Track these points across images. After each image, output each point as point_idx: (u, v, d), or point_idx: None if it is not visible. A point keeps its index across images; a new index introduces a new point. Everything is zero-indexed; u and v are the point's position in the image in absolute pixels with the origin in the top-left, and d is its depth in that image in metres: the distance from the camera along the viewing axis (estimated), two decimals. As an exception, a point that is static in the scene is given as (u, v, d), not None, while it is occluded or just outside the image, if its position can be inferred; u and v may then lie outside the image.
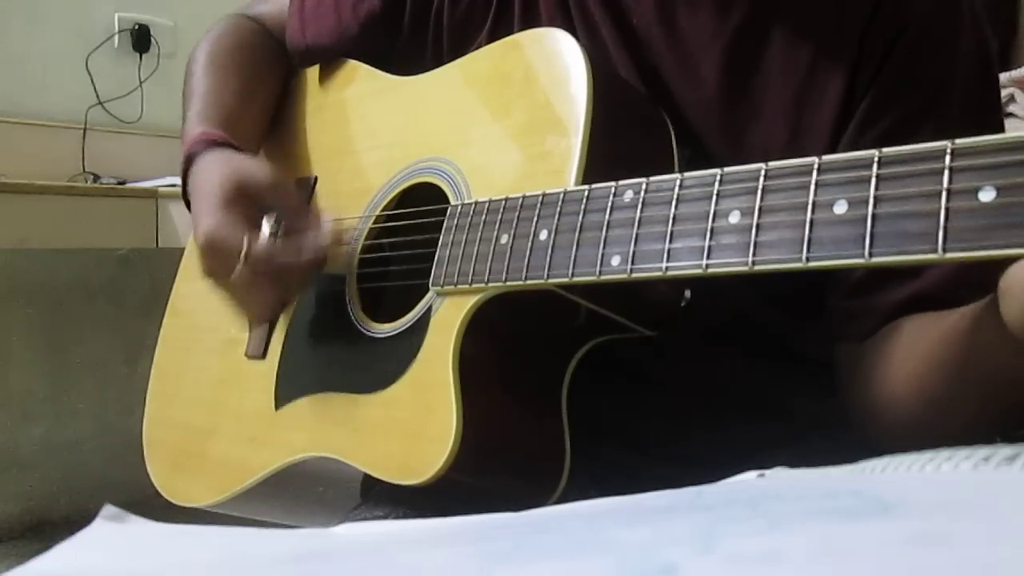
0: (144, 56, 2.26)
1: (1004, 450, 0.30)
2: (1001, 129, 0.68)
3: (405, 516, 0.67)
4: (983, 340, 0.49)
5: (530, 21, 0.73)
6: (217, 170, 0.73)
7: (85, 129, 2.17)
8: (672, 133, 0.64)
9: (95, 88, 2.18)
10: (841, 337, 0.65)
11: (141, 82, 2.24)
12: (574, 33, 0.70)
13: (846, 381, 0.65)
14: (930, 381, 0.56)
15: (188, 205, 0.78)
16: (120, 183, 2.05)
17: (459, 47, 0.76)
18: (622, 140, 0.62)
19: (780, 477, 0.35)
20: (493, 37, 0.73)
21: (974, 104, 0.64)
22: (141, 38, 2.25)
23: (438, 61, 0.76)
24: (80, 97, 2.17)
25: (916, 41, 0.63)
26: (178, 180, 0.79)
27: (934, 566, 0.22)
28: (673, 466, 0.64)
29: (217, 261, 0.69)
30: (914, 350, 0.58)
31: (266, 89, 0.90)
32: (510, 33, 0.69)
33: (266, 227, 0.70)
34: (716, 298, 0.65)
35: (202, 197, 0.72)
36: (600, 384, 0.68)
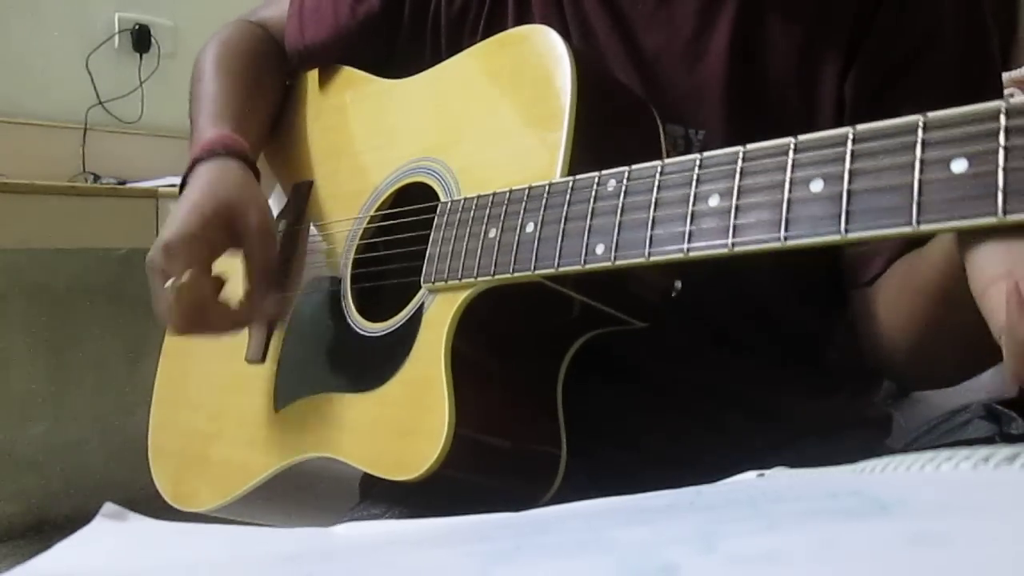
0: (144, 56, 2.25)
1: (1004, 450, 0.30)
2: (996, 77, 0.69)
3: (401, 514, 0.67)
4: (956, 278, 0.49)
5: (523, 18, 0.73)
6: (222, 184, 0.73)
7: (85, 129, 2.17)
8: (660, 126, 0.65)
9: (95, 88, 2.18)
10: (853, 283, 0.67)
11: (141, 82, 2.24)
12: (567, 29, 0.70)
13: (860, 327, 0.67)
14: (921, 317, 0.58)
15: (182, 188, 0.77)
16: (120, 183, 2.05)
17: (455, 46, 0.76)
18: (608, 134, 0.63)
19: (780, 477, 0.35)
20: (487, 35, 0.73)
21: (966, 49, 0.65)
22: (141, 38, 2.25)
23: (437, 61, 0.77)
24: (80, 97, 2.16)
25: None
26: (178, 180, 0.79)
27: (934, 566, 0.22)
28: (672, 466, 0.64)
29: (166, 263, 0.68)
30: (905, 290, 0.61)
31: (271, 93, 0.91)
32: (504, 31, 0.70)
33: (235, 265, 0.71)
34: (714, 299, 0.66)
35: (192, 199, 0.72)
36: (599, 385, 0.68)
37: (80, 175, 2.14)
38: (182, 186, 0.77)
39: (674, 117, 0.66)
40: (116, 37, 2.23)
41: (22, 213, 1.75)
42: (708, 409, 0.71)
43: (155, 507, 0.77)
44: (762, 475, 0.35)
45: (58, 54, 2.15)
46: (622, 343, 0.65)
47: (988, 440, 0.70)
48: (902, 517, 0.25)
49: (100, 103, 2.19)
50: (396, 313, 0.67)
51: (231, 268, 0.74)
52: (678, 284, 0.62)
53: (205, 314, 0.70)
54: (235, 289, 0.73)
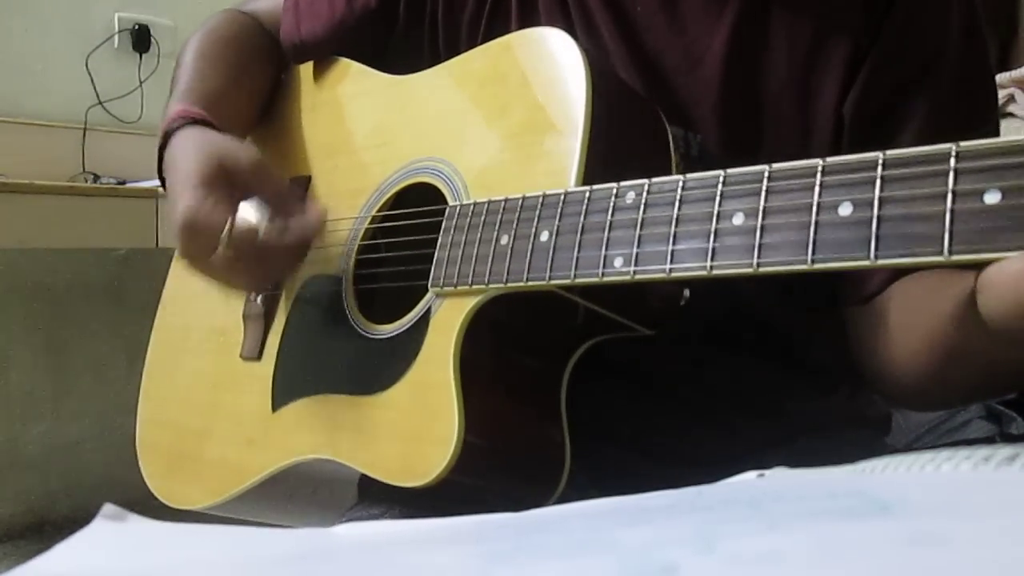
0: (144, 56, 2.26)
1: (1004, 450, 0.30)
2: (994, 98, 0.69)
3: (401, 514, 0.67)
4: (967, 333, 0.49)
5: (527, 18, 0.73)
6: (196, 148, 0.72)
7: (85, 129, 2.17)
8: (669, 133, 0.64)
9: (95, 88, 2.18)
10: (848, 300, 0.66)
11: (141, 82, 2.24)
12: (572, 30, 0.70)
13: (855, 345, 0.66)
14: (926, 356, 0.57)
15: (163, 183, 0.76)
16: (120, 183, 2.06)
17: (454, 44, 0.76)
18: (620, 141, 0.62)
19: (780, 477, 0.35)
20: (488, 35, 0.73)
21: (966, 72, 0.65)
22: (141, 38, 2.25)
23: (434, 58, 0.76)
24: (80, 97, 2.17)
25: (909, 9, 0.64)
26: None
27: (934, 566, 0.22)
28: (673, 466, 0.64)
29: (197, 242, 0.67)
30: (910, 324, 0.59)
31: (255, 81, 0.90)
32: (506, 31, 0.69)
33: (251, 210, 0.68)
34: (713, 299, 0.66)
35: (180, 175, 0.70)
36: (598, 384, 0.68)
37: (80, 175, 2.14)
38: (160, 175, 0.77)
39: (673, 119, 0.66)
40: (116, 37, 2.23)
41: (22, 213, 1.75)
42: (707, 409, 0.71)
43: (155, 506, 0.77)
44: (762, 475, 0.35)
45: (58, 54, 2.15)
46: (621, 342, 0.65)
47: (988, 440, 0.70)
48: (902, 517, 0.25)
49: (100, 103, 2.19)
50: (398, 315, 0.66)
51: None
52: (686, 293, 0.62)
53: (265, 259, 0.69)
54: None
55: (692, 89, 0.67)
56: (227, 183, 0.69)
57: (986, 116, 0.68)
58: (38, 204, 1.77)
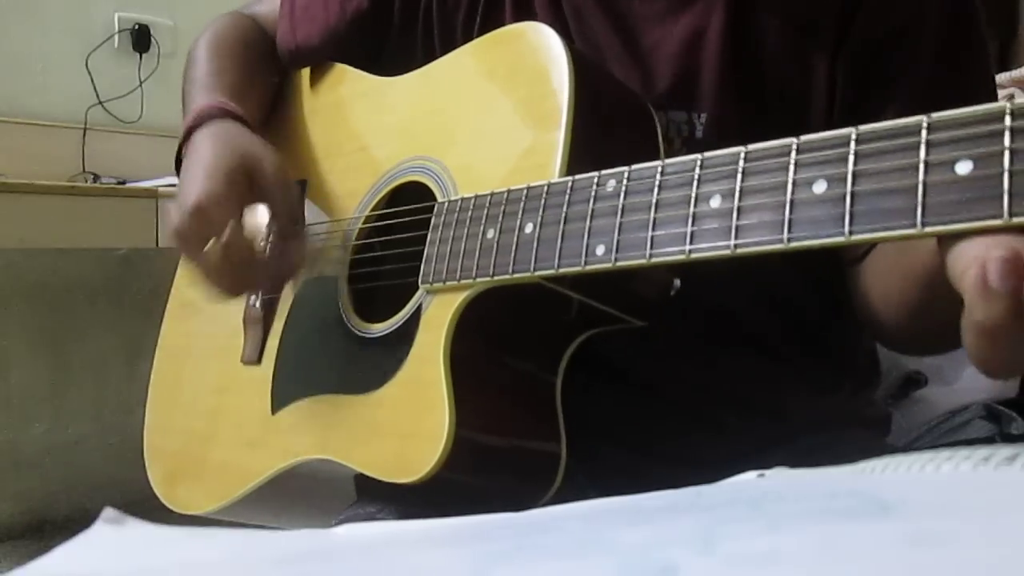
0: (144, 56, 2.25)
1: (1004, 450, 0.30)
2: (983, 52, 0.69)
3: (397, 512, 0.67)
4: (938, 290, 0.49)
5: (522, 14, 0.73)
6: (229, 142, 0.72)
7: (85, 129, 2.17)
8: (657, 124, 0.64)
9: (95, 88, 2.18)
10: (846, 261, 0.68)
11: (141, 82, 2.24)
12: (565, 24, 0.70)
13: (855, 300, 0.68)
14: (904, 308, 0.61)
15: (178, 166, 0.76)
16: (120, 183, 2.05)
17: (449, 43, 0.76)
18: (606, 133, 0.63)
19: (780, 477, 0.35)
20: (484, 31, 0.73)
21: (953, 29, 0.66)
22: (141, 38, 2.25)
23: (430, 58, 0.76)
24: (80, 97, 2.16)
25: None
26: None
27: (934, 566, 0.22)
28: (672, 466, 0.64)
29: (198, 229, 0.66)
30: (888, 280, 0.63)
31: (264, 80, 0.90)
32: (500, 27, 0.69)
33: (259, 219, 0.68)
34: (711, 297, 0.66)
35: (205, 160, 0.70)
36: (597, 385, 0.68)
37: (80, 175, 2.14)
38: (178, 160, 0.77)
39: (675, 104, 0.66)
40: (116, 37, 2.23)
41: (22, 213, 1.74)
42: (706, 408, 0.71)
43: (155, 507, 0.77)
44: (762, 475, 0.35)
45: (58, 54, 2.15)
46: (619, 342, 0.65)
47: (988, 440, 0.70)
48: (902, 517, 0.25)
49: (100, 103, 2.19)
50: (393, 314, 0.67)
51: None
52: (677, 282, 0.62)
53: (250, 270, 0.68)
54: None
55: (693, 68, 0.68)
56: (246, 185, 0.70)
57: (972, 84, 0.68)
58: (38, 204, 1.77)
